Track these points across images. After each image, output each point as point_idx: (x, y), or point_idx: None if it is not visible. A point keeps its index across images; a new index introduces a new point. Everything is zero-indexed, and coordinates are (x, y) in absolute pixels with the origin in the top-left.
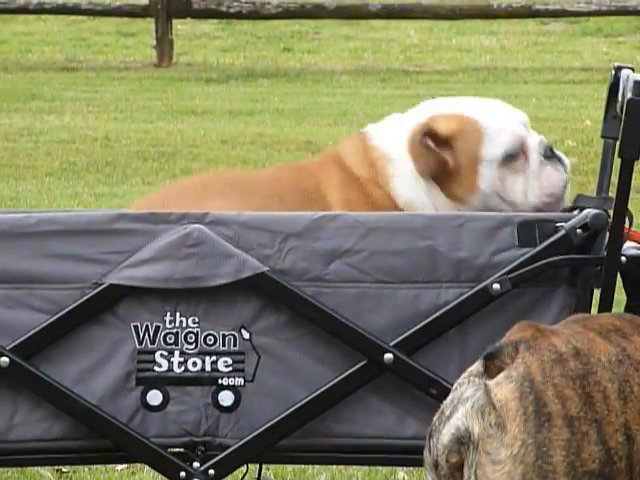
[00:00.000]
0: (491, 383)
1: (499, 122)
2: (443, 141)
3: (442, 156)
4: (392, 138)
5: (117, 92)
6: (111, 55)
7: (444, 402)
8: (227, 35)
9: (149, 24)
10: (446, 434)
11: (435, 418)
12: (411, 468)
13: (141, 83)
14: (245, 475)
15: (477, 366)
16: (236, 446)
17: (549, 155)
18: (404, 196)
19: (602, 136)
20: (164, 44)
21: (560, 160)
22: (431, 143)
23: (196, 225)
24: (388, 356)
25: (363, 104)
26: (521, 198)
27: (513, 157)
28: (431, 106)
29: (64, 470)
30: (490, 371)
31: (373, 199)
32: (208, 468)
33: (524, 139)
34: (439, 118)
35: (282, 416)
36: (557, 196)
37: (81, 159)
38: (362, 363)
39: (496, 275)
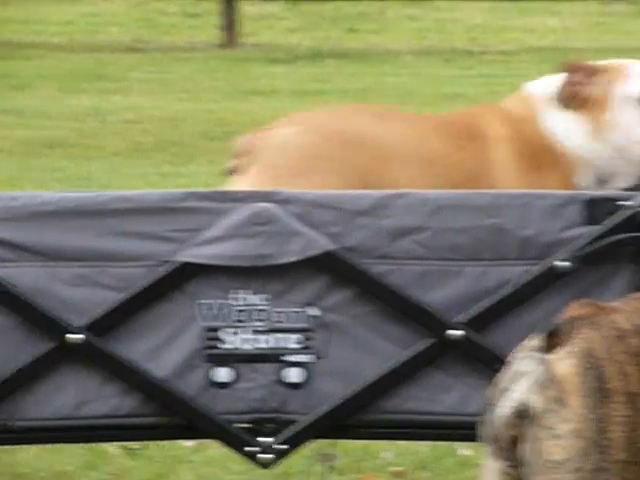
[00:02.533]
0: (552, 358)
1: None
2: (586, 74)
3: (581, 87)
4: (544, 84)
5: (183, 72)
6: (177, 36)
7: (500, 376)
8: (293, 16)
9: (215, 5)
10: (506, 408)
11: (492, 392)
12: (474, 443)
13: (207, 63)
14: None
15: (535, 341)
16: (304, 422)
17: None
18: (552, 130)
19: None
20: (230, 25)
21: None
22: (574, 74)
23: (265, 203)
24: (455, 333)
25: (427, 84)
26: None
27: None
28: None
29: (133, 447)
30: (547, 347)
31: (525, 135)
32: (277, 443)
33: None
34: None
35: (350, 393)
36: None
37: (148, 139)
38: (429, 340)
39: (562, 253)
